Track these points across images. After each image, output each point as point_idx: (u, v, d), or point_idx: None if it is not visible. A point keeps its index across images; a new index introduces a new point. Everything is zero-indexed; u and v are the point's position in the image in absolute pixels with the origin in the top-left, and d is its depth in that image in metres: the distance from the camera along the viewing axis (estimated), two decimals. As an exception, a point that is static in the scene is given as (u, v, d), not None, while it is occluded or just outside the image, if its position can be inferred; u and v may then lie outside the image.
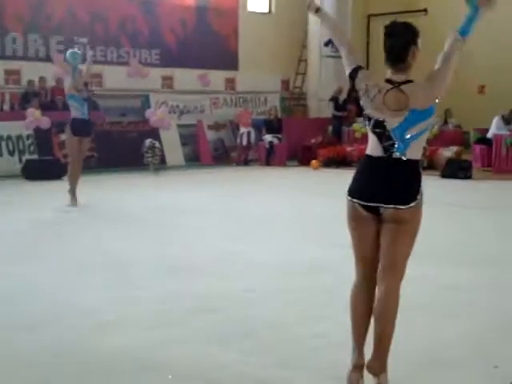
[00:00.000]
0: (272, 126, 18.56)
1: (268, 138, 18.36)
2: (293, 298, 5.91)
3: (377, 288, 3.92)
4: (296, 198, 12.01)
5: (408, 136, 3.79)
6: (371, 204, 3.83)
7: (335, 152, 17.67)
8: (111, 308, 5.61)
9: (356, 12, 21.35)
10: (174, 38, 19.31)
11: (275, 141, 18.34)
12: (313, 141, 18.38)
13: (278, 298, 5.95)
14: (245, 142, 18.42)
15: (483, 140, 16.49)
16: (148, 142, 16.26)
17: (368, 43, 22.17)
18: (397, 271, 3.87)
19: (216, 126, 18.99)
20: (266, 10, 21.60)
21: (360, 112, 18.77)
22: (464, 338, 4.91)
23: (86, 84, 10.85)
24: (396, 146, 3.80)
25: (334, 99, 19.53)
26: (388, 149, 3.82)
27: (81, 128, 10.85)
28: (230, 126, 19.22)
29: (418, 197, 3.80)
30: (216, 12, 19.95)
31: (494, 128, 16.33)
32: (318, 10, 4.21)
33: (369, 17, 22.36)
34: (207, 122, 18.74)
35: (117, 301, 5.81)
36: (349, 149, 17.44)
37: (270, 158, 18.22)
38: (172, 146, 17.60)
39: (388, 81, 3.83)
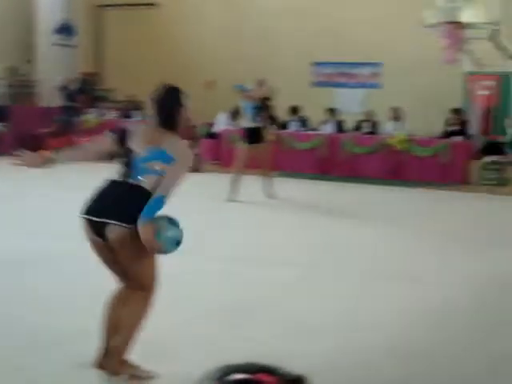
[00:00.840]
0: (-2, 113, 17.69)
1: (-7, 126, 17.50)
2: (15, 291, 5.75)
3: None
4: (21, 189, 11.59)
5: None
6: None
7: (66, 142, 17.27)
8: None
9: (85, 3, 21.11)
10: None
11: (1, 129, 17.50)
12: (42, 130, 17.83)
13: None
14: (-33, 130, 17.37)
15: (211, 134, 17.12)
16: None
17: (99, 34, 21.95)
18: None
19: None
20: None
21: (91, 103, 18.57)
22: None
23: None
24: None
25: (64, 89, 19.07)
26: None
27: None
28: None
29: None
30: None
31: (222, 123, 17.02)
32: (50, 162, 4.24)
33: (98, 8, 22.14)
34: None
35: None
36: (80, 139, 17.14)
37: (-5, 147, 17.34)
38: None
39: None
